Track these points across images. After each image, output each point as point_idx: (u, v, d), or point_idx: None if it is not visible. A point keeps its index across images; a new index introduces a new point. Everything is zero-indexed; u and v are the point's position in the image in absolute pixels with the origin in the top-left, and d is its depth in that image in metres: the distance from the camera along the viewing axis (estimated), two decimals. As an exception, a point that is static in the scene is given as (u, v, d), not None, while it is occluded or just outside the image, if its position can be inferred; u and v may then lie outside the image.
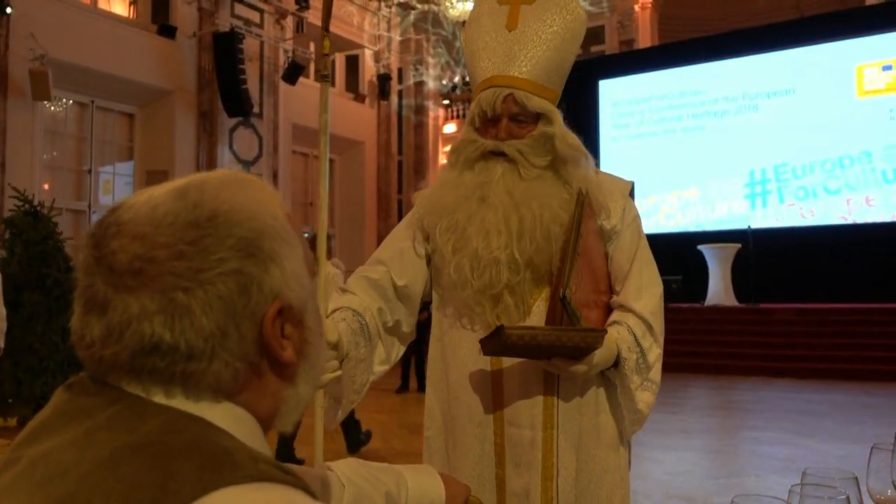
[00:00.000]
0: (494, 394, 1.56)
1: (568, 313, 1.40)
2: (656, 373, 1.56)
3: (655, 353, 1.56)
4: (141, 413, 0.57)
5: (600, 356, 1.45)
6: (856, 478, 0.84)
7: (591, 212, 1.56)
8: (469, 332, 1.58)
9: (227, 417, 0.60)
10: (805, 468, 0.84)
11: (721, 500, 4.46)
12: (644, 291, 1.58)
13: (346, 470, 0.91)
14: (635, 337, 1.52)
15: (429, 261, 1.67)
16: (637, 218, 1.67)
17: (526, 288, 1.54)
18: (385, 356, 1.62)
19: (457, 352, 1.60)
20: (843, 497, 0.71)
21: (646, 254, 1.63)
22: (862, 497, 0.85)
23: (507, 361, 1.54)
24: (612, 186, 1.66)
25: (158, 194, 0.64)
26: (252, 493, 0.53)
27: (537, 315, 1.55)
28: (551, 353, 1.42)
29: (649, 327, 1.55)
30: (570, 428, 1.54)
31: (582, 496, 1.54)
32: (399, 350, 1.68)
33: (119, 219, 0.62)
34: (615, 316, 1.58)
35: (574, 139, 1.61)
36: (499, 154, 1.57)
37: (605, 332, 1.45)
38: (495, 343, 1.38)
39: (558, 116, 1.59)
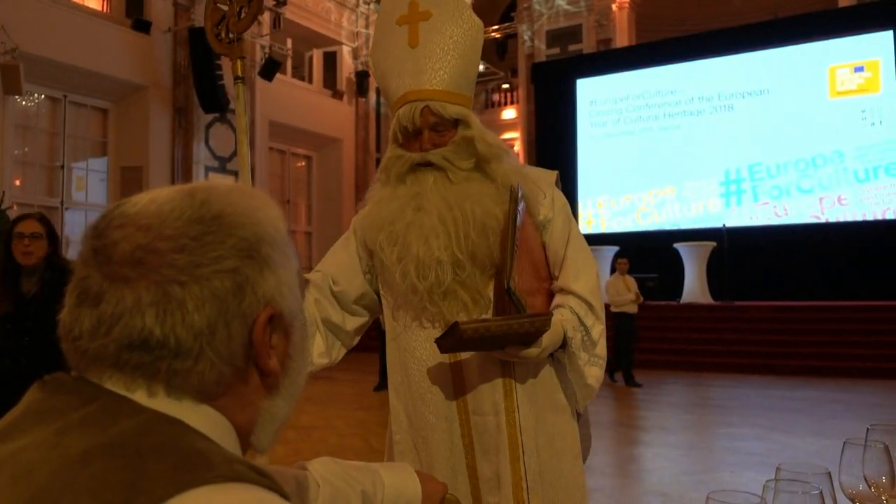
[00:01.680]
0: (456, 386, 1.63)
1: (514, 303, 1.47)
2: (601, 348, 1.65)
3: (599, 330, 1.65)
4: (115, 413, 0.56)
5: (548, 338, 1.52)
6: (829, 473, 0.85)
7: (526, 206, 1.65)
8: (429, 331, 1.64)
9: (205, 421, 0.60)
10: (779, 464, 0.85)
11: (697, 495, 4.51)
12: (581, 273, 1.67)
13: (322, 469, 0.90)
14: (578, 317, 1.61)
15: (368, 272, 1.74)
16: (566, 205, 1.75)
17: (478, 281, 1.61)
18: (325, 349, 1.67)
19: (414, 353, 1.67)
20: (817, 492, 0.72)
21: (578, 237, 1.73)
22: (835, 491, 0.86)
23: (465, 354, 1.61)
24: (538, 178, 1.73)
25: (165, 193, 0.64)
26: (225, 494, 0.52)
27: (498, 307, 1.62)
28: (504, 343, 1.49)
29: (590, 306, 1.63)
30: (529, 409, 1.62)
31: (546, 472, 1.62)
32: (340, 350, 1.73)
33: (125, 212, 0.62)
34: (557, 300, 1.66)
35: (493, 137, 1.69)
36: (426, 165, 1.65)
37: (552, 314, 1.54)
38: (451, 340, 1.43)
39: (475, 119, 1.68)
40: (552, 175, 1.78)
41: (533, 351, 1.50)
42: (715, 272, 12.85)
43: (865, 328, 10.71)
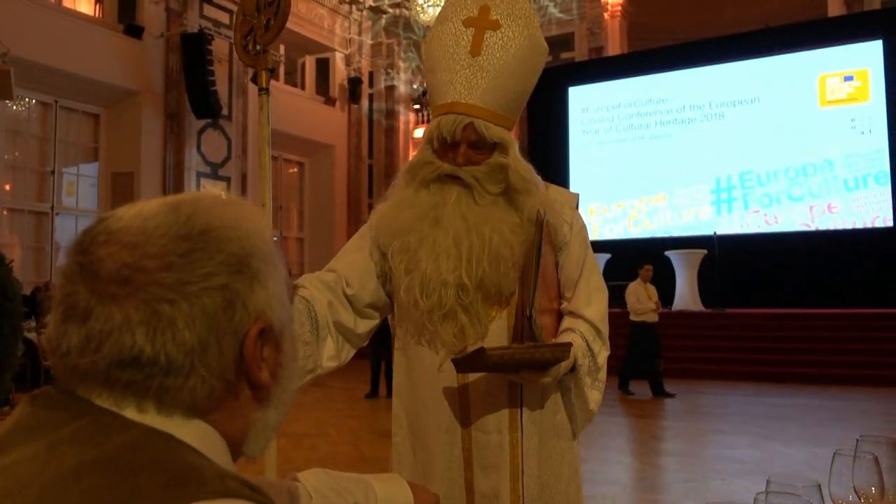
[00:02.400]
0: (462, 405, 1.62)
1: (534, 330, 1.48)
2: (603, 373, 1.68)
3: (604, 356, 1.67)
4: (107, 428, 0.56)
5: (563, 365, 1.54)
6: (818, 485, 0.85)
7: (548, 233, 1.64)
8: (427, 350, 1.64)
9: (196, 435, 0.59)
10: (769, 476, 0.85)
11: (689, 503, 4.51)
12: (593, 298, 1.68)
13: (314, 480, 0.90)
14: (587, 342, 1.63)
15: (381, 275, 1.72)
16: (583, 228, 1.75)
17: (480, 308, 1.60)
18: (335, 353, 1.64)
19: (421, 365, 1.65)
20: (807, 505, 0.72)
21: (592, 262, 1.74)
22: (824, 503, 0.86)
23: (473, 376, 1.60)
24: (561, 199, 1.73)
25: (150, 207, 0.63)
26: None
27: (495, 333, 1.61)
28: (522, 368, 1.50)
29: (598, 332, 1.66)
30: (532, 429, 1.63)
31: (544, 491, 1.63)
32: (349, 352, 1.70)
33: (109, 227, 0.61)
34: (567, 323, 1.67)
35: (527, 170, 1.66)
36: (455, 178, 1.62)
37: (571, 345, 1.54)
38: (472, 364, 1.45)
39: (514, 147, 1.65)
40: (574, 198, 1.77)
41: (548, 379, 1.52)
42: (706, 280, 12.90)
43: (855, 335, 10.76)
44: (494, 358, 1.41)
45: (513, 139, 1.65)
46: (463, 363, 1.46)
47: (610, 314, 1.76)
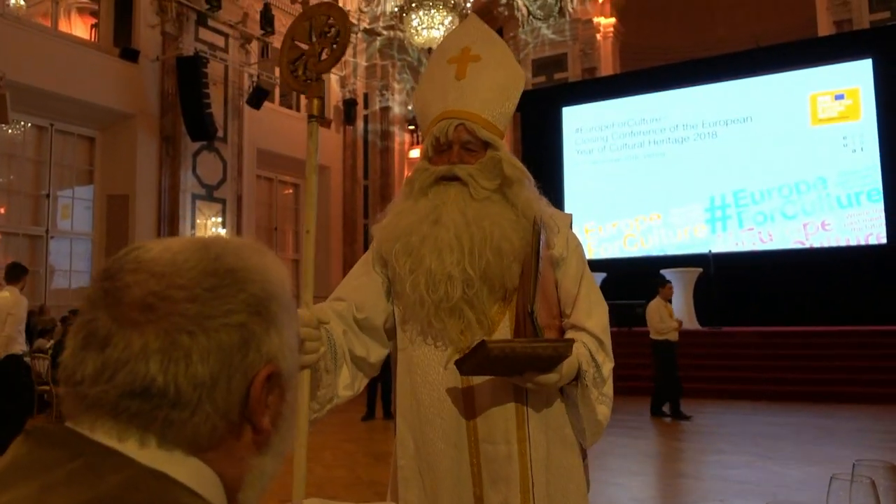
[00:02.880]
0: (467, 412, 1.61)
1: (535, 327, 1.51)
2: (609, 387, 1.67)
3: (608, 368, 1.67)
4: (101, 469, 0.56)
5: (567, 367, 1.53)
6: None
7: (546, 235, 1.69)
8: (433, 349, 1.64)
9: (193, 474, 0.59)
10: (767, 501, 0.84)
11: (686, 525, 4.48)
12: (593, 311, 1.70)
13: None
14: (590, 352, 1.63)
15: (388, 291, 1.73)
16: (579, 245, 1.78)
17: (485, 302, 1.61)
18: (350, 381, 1.64)
19: (426, 375, 1.65)
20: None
21: (590, 277, 1.76)
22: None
23: (478, 379, 1.60)
24: (556, 217, 1.78)
25: (179, 243, 0.65)
26: None
27: (500, 332, 1.62)
28: (525, 368, 1.49)
29: (601, 343, 1.66)
30: (540, 440, 1.62)
31: (553, 502, 1.62)
32: (362, 381, 1.71)
33: (139, 257, 0.63)
34: (570, 336, 1.67)
35: (518, 162, 1.73)
36: (451, 179, 1.67)
37: (573, 340, 1.55)
38: (474, 360, 1.44)
39: (504, 145, 1.74)
40: (567, 218, 1.81)
41: (552, 377, 1.51)
42: (702, 298, 12.91)
43: (850, 353, 10.76)
44: (496, 351, 1.40)
45: (502, 142, 1.73)
46: (465, 363, 1.46)
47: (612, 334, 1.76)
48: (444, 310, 1.59)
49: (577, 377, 1.59)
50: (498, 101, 1.74)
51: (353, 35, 17.92)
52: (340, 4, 17.50)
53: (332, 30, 1.76)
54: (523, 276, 1.61)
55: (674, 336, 8.78)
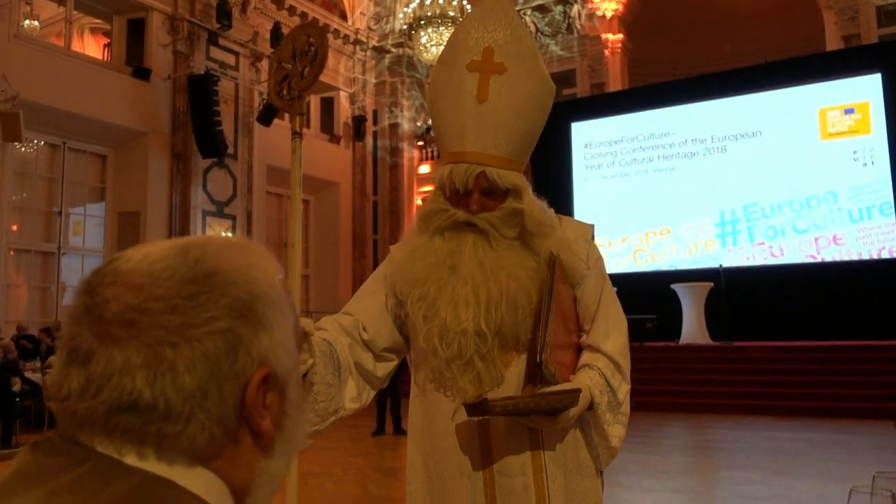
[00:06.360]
0: (482, 447, 1.60)
1: (546, 376, 1.48)
2: (626, 406, 1.65)
3: (624, 390, 1.64)
4: (107, 475, 0.55)
5: (575, 410, 1.52)
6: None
7: (562, 273, 1.63)
8: (442, 396, 1.63)
9: (199, 483, 0.58)
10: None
11: (700, 542, 4.43)
12: (611, 332, 1.67)
13: None
14: (605, 378, 1.60)
15: (396, 318, 1.71)
16: (600, 259, 1.75)
17: (496, 355, 1.59)
18: (356, 394, 1.63)
19: (439, 411, 1.64)
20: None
21: (610, 293, 1.73)
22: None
23: (492, 418, 1.59)
24: (576, 233, 1.72)
25: (159, 249, 0.63)
26: None
27: (510, 380, 1.60)
28: (531, 415, 1.49)
29: (617, 366, 1.63)
30: (556, 469, 1.60)
31: None
32: (370, 394, 1.69)
33: (117, 269, 0.61)
34: (585, 358, 1.65)
35: (541, 212, 1.64)
36: (470, 224, 1.61)
37: (579, 391, 1.51)
38: (479, 411, 1.46)
39: (528, 191, 1.63)
40: (589, 230, 1.76)
41: (559, 424, 1.51)
42: (713, 312, 12.83)
43: (864, 368, 10.65)
44: (498, 409, 1.42)
45: (526, 183, 1.64)
46: (471, 409, 1.47)
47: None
48: (456, 365, 1.57)
49: (591, 407, 1.58)
50: (523, 130, 1.62)
51: (362, 52, 18.07)
52: (350, 23, 17.68)
53: (312, 49, 1.79)
54: (535, 320, 1.56)
55: None
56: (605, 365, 1.62)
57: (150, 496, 0.54)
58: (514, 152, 1.62)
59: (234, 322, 0.60)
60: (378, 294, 1.72)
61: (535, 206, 1.63)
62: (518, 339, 1.59)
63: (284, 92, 1.75)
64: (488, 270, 1.58)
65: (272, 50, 14.26)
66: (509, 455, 1.58)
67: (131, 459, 0.57)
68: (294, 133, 1.74)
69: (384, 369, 1.70)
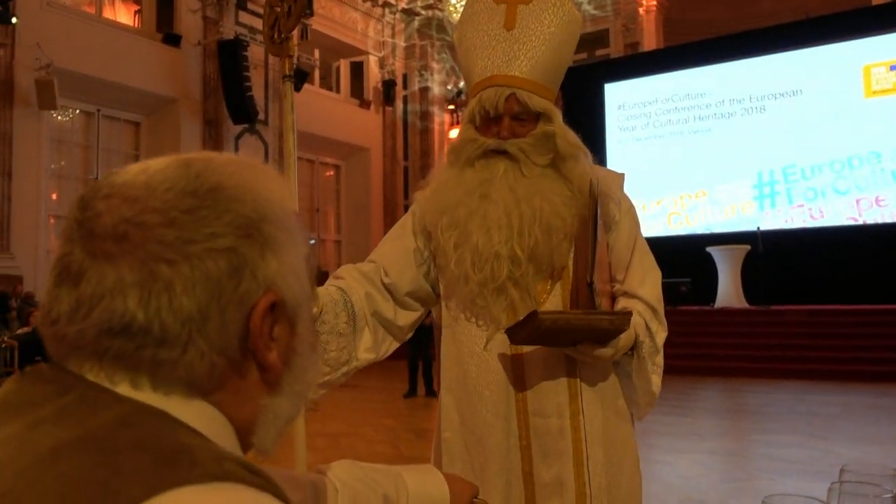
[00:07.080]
0: (516, 383, 1.55)
1: (593, 298, 1.44)
2: (661, 357, 1.60)
3: (662, 337, 1.59)
4: (94, 404, 0.51)
5: (624, 339, 1.46)
6: None
7: (602, 203, 1.59)
8: (475, 326, 1.59)
9: (198, 416, 0.54)
10: (843, 465, 0.79)
11: (735, 503, 4.40)
12: (647, 278, 1.62)
13: (341, 473, 0.86)
14: (645, 322, 1.55)
15: (424, 262, 1.67)
16: (632, 208, 1.70)
17: (531, 281, 1.55)
18: (372, 344, 1.60)
19: (472, 346, 1.59)
20: (889, 495, 0.66)
21: (643, 242, 1.67)
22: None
23: (528, 348, 1.54)
24: (608, 179, 1.68)
25: (158, 162, 0.59)
26: (210, 495, 0.46)
27: (549, 308, 1.55)
28: (579, 339, 1.43)
29: (655, 312, 1.58)
30: (594, 413, 1.55)
31: (611, 480, 1.56)
32: (391, 344, 1.66)
33: (113, 181, 0.57)
34: (623, 303, 1.60)
35: (574, 137, 1.62)
36: (501, 152, 1.58)
37: (631, 313, 1.47)
38: (526, 331, 1.37)
39: (558, 115, 1.61)
40: (620, 177, 1.73)
41: (608, 351, 1.44)
42: (750, 276, 12.61)
43: (906, 332, 10.43)
44: (547, 322, 1.32)
45: (556, 109, 1.61)
46: (516, 331, 1.40)
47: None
48: (489, 289, 1.53)
49: (633, 348, 1.52)
50: (551, 58, 1.60)
51: (391, 15, 17.87)
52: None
53: None
54: (580, 246, 1.54)
55: None
56: (643, 309, 1.56)
57: (139, 426, 0.50)
58: (544, 78, 1.59)
59: (238, 241, 0.55)
60: (402, 238, 1.69)
61: (567, 130, 1.61)
62: (553, 265, 1.55)
63: (276, 36, 1.72)
64: (520, 195, 1.54)
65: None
66: (545, 394, 1.54)
67: (124, 388, 0.53)
68: (284, 76, 1.72)
69: (406, 318, 1.66)
